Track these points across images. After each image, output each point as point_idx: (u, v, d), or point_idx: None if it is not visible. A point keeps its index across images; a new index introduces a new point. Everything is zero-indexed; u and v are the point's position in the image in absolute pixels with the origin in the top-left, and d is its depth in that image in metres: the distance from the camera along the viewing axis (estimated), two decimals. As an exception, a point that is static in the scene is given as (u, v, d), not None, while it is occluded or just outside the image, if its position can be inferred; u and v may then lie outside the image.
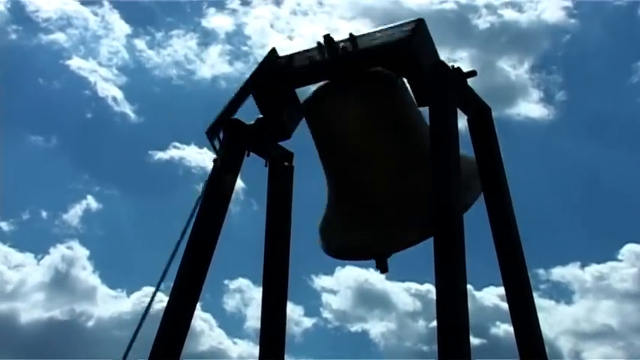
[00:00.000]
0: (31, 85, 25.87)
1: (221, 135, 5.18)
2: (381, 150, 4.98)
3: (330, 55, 5.02)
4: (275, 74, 5.20)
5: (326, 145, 5.13)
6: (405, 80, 4.98)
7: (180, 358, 4.78)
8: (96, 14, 27.56)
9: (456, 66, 4.88)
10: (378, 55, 4.94)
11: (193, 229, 4.98)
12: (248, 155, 5.25)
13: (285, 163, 5.50)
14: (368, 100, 5.04)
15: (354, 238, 5.00)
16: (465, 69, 4.91)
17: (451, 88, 4.77)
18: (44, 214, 25.16)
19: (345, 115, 5.02)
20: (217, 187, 5.09)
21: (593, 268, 23.84)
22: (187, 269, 4.91)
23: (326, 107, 5.09)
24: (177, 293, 4.87)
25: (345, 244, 5.06)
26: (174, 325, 4.81)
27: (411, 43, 4.82)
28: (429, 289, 21.68)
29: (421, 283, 21.88)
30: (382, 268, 4.98)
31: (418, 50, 4.86)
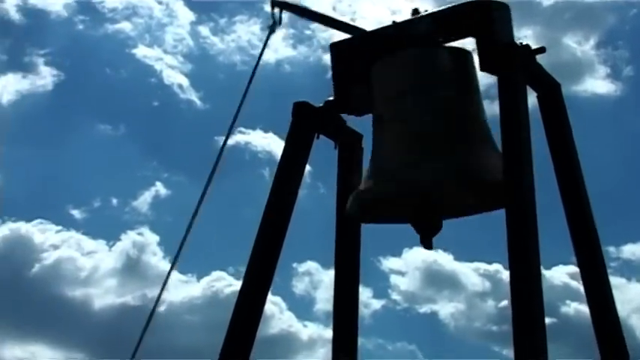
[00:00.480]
0: (99, 74, 26.25)
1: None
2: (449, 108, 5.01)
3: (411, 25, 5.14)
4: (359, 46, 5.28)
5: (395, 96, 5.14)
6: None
7: (254, 341, 4.83)
8: (160, 2, 27.78)
9: (524, 43, 4.85)
10: (457, 16, 5.03)
11: (265, 214, 5.01)
12: (317, 138, 5.26)
13: (355, 145, 5.48)
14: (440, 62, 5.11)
15: (407, 173, 4.93)
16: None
17: (521, 65, 4.73)
18: (114, 201, 25.53)
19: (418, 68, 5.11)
20: (288, 170, 5.11)
21: (665, 245, 23.40)
22: (260, 253, 4.94)
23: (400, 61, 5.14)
24: (250, 278, 4.91)
25: (395, 181, 4.98)
26: (249, 309, 4.85)
27: (491, 7, 4.91)
28: (498, 269, 21.54)
29: (489, 263, 21.73)
30: (426, 243, 4.92)
31: (496, 18, 4.89)
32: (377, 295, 22.63)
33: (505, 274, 4.27)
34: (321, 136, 5.32)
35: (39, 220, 26.32)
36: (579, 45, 26.06)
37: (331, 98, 5.30)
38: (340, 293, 5.32)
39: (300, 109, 5.22)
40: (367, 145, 5.44)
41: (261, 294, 4.92)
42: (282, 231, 5.01)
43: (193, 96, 26.24)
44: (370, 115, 5.24)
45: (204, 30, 27.34)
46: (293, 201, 5.09)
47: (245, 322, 4.85)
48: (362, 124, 5.42)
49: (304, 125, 5.20)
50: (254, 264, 4.96)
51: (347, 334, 5.29)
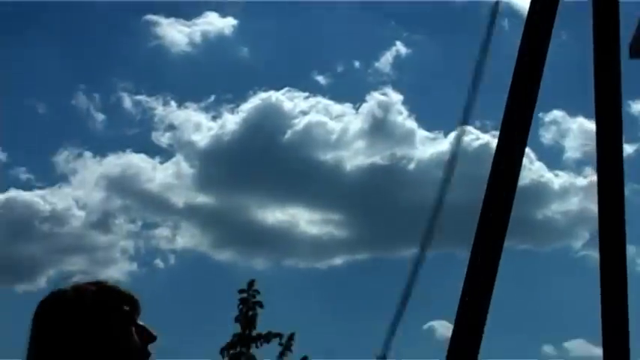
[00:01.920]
0: None
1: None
2: None
3: None
4: None
5: None
6: None
7: (515, 190, 4.81)
8: None
9: None
10: None
11: (518, 66, 4.90)
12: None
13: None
14: None
15: None
16: None
17: None
18: (357, 64, 25.90)
19: None
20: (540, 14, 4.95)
21: None
22: (515, 104, 4.86)
23: None
24: (506, 127, 4.85)
25: None
26: (506, 162, 4.83)
27: None
28: None
29: None
30: None
31: None
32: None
33: None
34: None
35: (287, 88, 27.27)
36: None
37: None
38: (603, 143, 5.15)
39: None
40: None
41: (520, 145, 4.86)
42: (536, 80, 4.89)
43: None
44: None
45: None
46: (545, 52, 4.93)
47: (505, 175, 4.83)
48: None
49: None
50: (510, 115, 4.89)
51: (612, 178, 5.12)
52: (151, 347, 2.46)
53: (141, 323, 2.47)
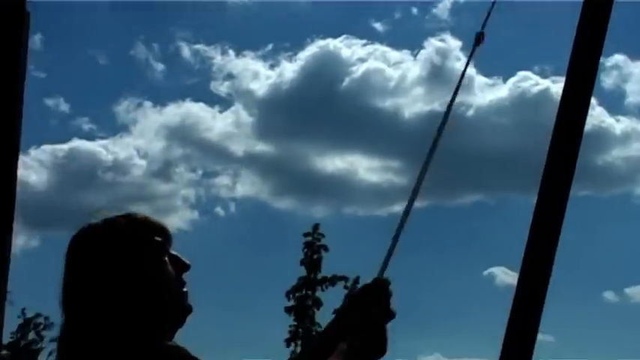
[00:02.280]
0: None
1: None
2: None
3: None
4: None
5: None
6: None
7: (581, 139, 4.76)
8: None
9: None
10: None
11: (584, 12, 4.82)
12: None
13: None
14: None
15: None
16: None
17: None
18: (414, 10, 25.52)
19: None
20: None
21: None
22: (581, 50, 4.80)
23: None
24: (572, 74, 4.79)
25: None
26: (574, 109, 4.77)
27: None
28: None
29: None
30: None
31: None
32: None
33: None
34: None
35: (345, 36, 27.15)
36: None
37: None
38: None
39: None
40: None
41: (587, 92, 4.81)
42: (604, 25, 4.80)
43: None
44: None
45: None
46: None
47: (571, 121, 4.79)
48: None
49: None
50: (576, 62, 4.82)
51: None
52: (185, 276, 2.47)
53: (174, 253, 2.48)
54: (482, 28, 4.54)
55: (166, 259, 2.42)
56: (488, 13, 4.65)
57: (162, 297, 2.37)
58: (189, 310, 2.44)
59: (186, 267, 2.43)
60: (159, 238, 2.41)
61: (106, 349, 2.27)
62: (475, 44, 4.74)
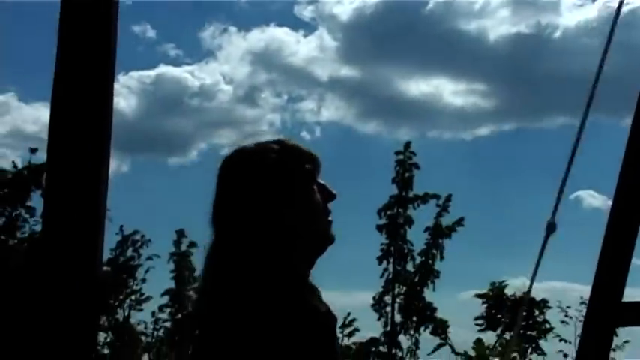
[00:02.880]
0: None
1: None
2: None
3: None
4: None
5: None
6: None
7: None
8: None
9: None
10: None
11: None
12: None
13: None
14: None
15: None
16: None
17: None
18: None
19: None
20: None
21: None
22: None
23: None
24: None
25: None
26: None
27: None
28: None
29: None
30: None
31: None
32: None
33: None
34: None
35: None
36: None
37: None
38: None
39: None
40: None
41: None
42: None
43: None
44: None
45: None
46: None
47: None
48: None
49: None
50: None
51: None
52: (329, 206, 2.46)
53: (321, 182, 2.48)
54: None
55: (315, 187, 2.41)
56: None
57: (310, 224, 2.38)
58: (332, 239, 2.43)
59: (332, 196, 2.42)
60: (309, 166, 2.41)
61: (252, 274, 2.26)
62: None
